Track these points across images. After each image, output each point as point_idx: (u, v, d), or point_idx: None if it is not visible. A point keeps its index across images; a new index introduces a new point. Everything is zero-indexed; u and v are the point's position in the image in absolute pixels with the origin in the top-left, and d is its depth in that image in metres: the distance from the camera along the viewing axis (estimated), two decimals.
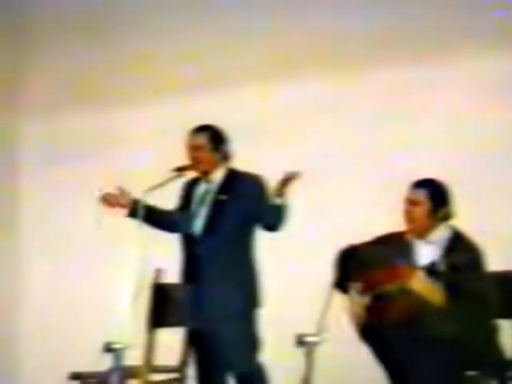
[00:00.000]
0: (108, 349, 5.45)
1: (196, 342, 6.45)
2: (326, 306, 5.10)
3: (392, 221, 5.95)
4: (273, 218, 6.16)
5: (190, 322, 6.40)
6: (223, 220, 6.26)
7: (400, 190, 5.91)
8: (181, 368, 6.81)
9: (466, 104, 7.86)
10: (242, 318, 6.30)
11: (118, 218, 6.10)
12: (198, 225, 6.36)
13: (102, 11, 9.57)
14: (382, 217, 6.41)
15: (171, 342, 6.69)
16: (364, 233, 5.94)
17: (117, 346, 5.46)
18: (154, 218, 6.40)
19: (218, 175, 6.37)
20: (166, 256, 6.51)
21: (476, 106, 7.83)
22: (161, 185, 6.05)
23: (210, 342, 6.30)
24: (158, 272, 6.49)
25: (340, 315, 5.60)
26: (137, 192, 6.14)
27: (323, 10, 8.43)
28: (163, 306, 6.56)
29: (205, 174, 6.40)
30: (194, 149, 6.37)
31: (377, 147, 8.02)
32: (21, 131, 9.90)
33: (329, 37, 8.36)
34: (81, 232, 9.06)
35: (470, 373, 5.67)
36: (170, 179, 6.16)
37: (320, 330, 4.96)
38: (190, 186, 6.52)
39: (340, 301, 5.64)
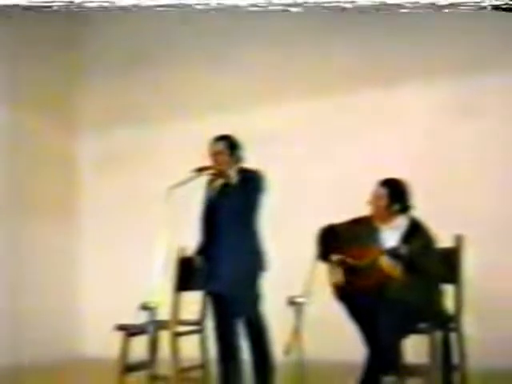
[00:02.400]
0: (144, 307, 5.59)
1: (215, 298, 6.42)
2: (310, 274, 5.16)
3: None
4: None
5: (209, 284, 6.44)
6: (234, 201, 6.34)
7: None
8: (200, 321, 7.01)
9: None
10: (250, 279, 6.37)
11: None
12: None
13: (148, 41, 9.59)
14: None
15: (192, 301, 6.91)
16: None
17: (151, 305, 5.53)
18: None
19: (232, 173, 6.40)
20: (187, 238, 6.58)
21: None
22: (183, 182, 5.98)
23: (227, 297, 6.30)
24: (182, 250, 6.81)
25: (324, 281, 5.73)
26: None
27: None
28: (185, 275, 6.84)
29: (221, 173, 6.43)
30: (217, 153, 6.44)
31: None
32: (78, 143, 9.96)
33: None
34: (128, 221, 9.34)
35: (422, 325, 5.77)
36: (191, 178, 6.11)
37: (306, 292, 5.03)
38: (210, 182, 6.58)
39: (323, 268, 5.74)
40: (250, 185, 6.35)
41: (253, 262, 6.40)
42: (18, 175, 9.13)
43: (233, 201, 6.34)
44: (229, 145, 6.46)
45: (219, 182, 6.49)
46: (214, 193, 6.50)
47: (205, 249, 6.53)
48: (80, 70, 10.00)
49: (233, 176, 6.36)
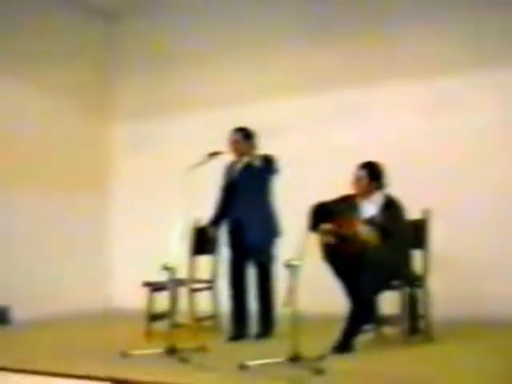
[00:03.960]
0: (166, 267, 5.85)
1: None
2: (303, 242, 5.25)
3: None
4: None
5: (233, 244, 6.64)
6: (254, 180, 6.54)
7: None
8: (212, 280, 7.23)
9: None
10: (268, 243, 6.55)
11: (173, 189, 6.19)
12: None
13: (170, 45, 9.54)
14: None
15: (206, 263, 7.16)
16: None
17: (171, 265, 5.83)
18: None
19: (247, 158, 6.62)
20: (201, 209, 6.74)
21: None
22: (199, 164, 6.06)
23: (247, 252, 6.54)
24: (197, 220, 6.98)
25: (314, 246, 5.80)
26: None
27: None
28: (200, 241, 7.05)
29: (241, 157, 6.67)
30: (234, 142, 6.67)
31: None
32: (113, 130, 9.98)
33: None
34: (152, 195, 9.36)
35: (394, 282, 5.99)
36: (206, 161, 6.18)
37: (300, 257, 5.17)
38: (231, 165, 6.78)
39: (314, 237, 5.84)
40: (267, 166, 6.50)
41: (270, 229, 6.57)
42: (60, 154, 9.20)
43: (253, 179, 6.52)
44: (245, 134, 6.66)
45: (240, 164, 6.67)
46: (236, 173, 6.66)
47: (218, 220, 6.72)
48: (115, 65, 10.00)
49: (252, 160, 6.54)
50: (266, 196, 6.64)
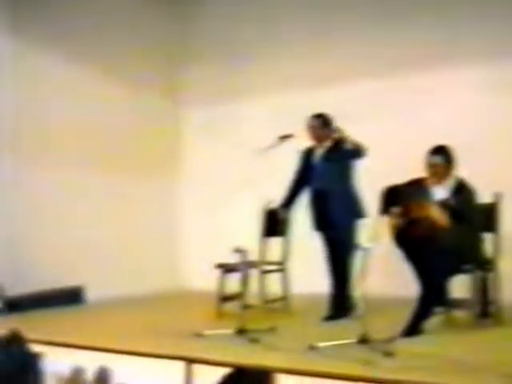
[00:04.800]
0: (237, 250, 5.92)
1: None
2: (375, 225, 5.37)
3: None
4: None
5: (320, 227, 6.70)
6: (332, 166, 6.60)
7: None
8: (283, 262, 7.27)
9: None
10: (349, 222, 6.39)
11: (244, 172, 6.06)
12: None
13: (245, 29, 9.62)
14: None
15: (276, 246, 7.17)
16: None
17: (242, 247, 5.89)
18: None
19: (328, 143, 6.71)
20: (273, 191, 6.77)
21: None
22: (270, 147, 6.15)
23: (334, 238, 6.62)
24: (268, 202, 6.99)
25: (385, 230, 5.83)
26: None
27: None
28: (271, 223, 7.07)
29: (320, 143, 6.76)
30: (312, 128, 6.75)
31: None
32: (186, 113, 10.10)
33: None
34: (224, 176, 9.40)
35: (465, 266, 5.97)
36: (277, 143, 6.25)
37: (371, 240, 5.22)
38: (308, 151, 6.85)
39: (385, 220, 5.87)
40: (344, 150, 6.52)
41: (353, 210, 6.57)
42: (135, 139, 9.35)
43: (333, 164, 6.58)
44: (323, 121, 6.73)
45: (320, 149, 6.74)
46: (316, 159, 6.73)
47: (289, 202, 6.79)
48: (188, 48, 10.10)
49: (329, 144, 6.62)
50: (348, 181, 6.67)
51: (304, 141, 6.77)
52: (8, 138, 7.89)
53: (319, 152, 6.75)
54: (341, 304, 6.62)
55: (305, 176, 6.80)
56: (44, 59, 8.20)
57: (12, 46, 7.92)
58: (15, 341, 3.42)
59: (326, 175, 6.62)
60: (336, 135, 6.53)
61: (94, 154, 8.73)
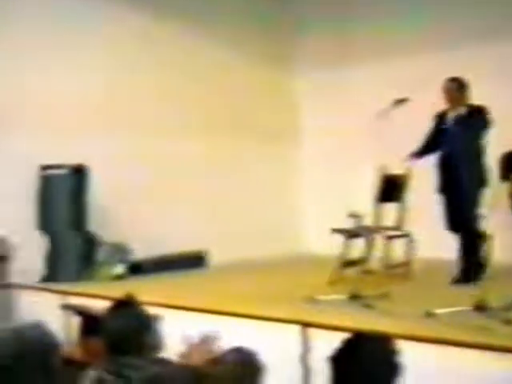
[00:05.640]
0: (352, 215, 5.92)
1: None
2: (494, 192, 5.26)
3: None
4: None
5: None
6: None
7: None
8: (399, 227, 7.15)
9: None
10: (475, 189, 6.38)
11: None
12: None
13: None
14: None
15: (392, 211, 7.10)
16: None
17: (359, 213, 5.90)
18: None
19: (463, 109, 6.68)
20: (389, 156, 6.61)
21: None
22: (386, 111, 5.99)
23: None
24: (383, 168, 6.80)
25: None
26: None
27: None
28: (388, 189, 6.91)
29: (454, 106, 6.71)
30: (447, 90, 6.71)
31: None
32: (299, 79, 10.04)
33: None
34: (340, 141, 9.30)
35: None
36: (393, 107, 6.08)
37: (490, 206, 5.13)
38: (442, 114, 6.81)
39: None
40: (477, 118, 6.48)
41: (479, 177, 6.48)
42: (249, 105, 9.44)
43: (466, 130, 6.43)
44: (458, 84, 6.70)
45: (453, 113, 6.71)
46: (449, 121, 6.68)
47: (420, 154, 6.77)
48: (298, 13, 10.02)
49: (462, 110, 6.60)
50: (478, 147, 6.58)
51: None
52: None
53: (452, 116, 6.72)
54: (467, 270, 6.51)
55: (436, 139, 6.77)
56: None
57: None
58: (130, 303, 3.53)
59: (457, 140, 6.45)
60: (470, 101, 6.52)
61: (218, 123, 8.94)
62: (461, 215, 6.45)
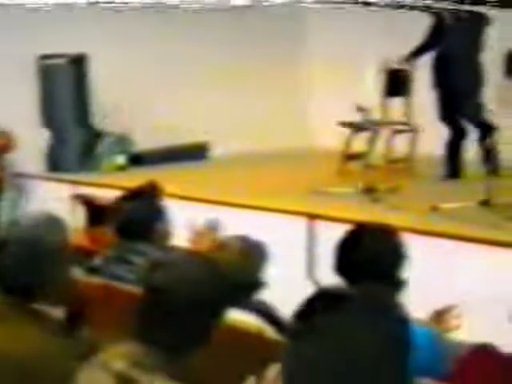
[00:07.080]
0: (359, 108, 5.84)
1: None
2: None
3: None
4: None
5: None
6: None
7: None
8: (407, 122, 6.94)
9: None
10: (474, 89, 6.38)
11: None
12: None
13: None
14: None
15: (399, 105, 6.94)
16: None
17: (365, 106, 5.82)
18: None
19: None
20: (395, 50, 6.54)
21: None
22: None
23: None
24: (390, 61, 6.66)
25: None
26: None
27: None
28: (393, 83, 6.73)
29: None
30: None
31: None
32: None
33: None
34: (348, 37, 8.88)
35: None
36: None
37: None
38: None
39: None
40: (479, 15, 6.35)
41: (476, 76, 6.40)
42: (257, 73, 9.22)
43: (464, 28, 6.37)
44: None
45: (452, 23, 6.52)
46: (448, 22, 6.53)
47: (418, 52, 6.62)
48: None
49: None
50: (477, 48, 6.44)
51: None
52: None
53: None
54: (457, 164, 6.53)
55: (436, 38, 6.57)
56: None
57: None
58: (146, 191, 3.55)
59: (456, 37, 6.40)
60: None
61: None
62: (455, 107, 6.45)
